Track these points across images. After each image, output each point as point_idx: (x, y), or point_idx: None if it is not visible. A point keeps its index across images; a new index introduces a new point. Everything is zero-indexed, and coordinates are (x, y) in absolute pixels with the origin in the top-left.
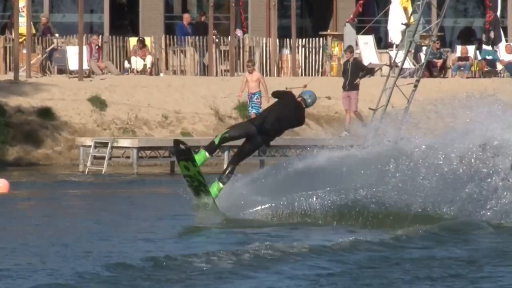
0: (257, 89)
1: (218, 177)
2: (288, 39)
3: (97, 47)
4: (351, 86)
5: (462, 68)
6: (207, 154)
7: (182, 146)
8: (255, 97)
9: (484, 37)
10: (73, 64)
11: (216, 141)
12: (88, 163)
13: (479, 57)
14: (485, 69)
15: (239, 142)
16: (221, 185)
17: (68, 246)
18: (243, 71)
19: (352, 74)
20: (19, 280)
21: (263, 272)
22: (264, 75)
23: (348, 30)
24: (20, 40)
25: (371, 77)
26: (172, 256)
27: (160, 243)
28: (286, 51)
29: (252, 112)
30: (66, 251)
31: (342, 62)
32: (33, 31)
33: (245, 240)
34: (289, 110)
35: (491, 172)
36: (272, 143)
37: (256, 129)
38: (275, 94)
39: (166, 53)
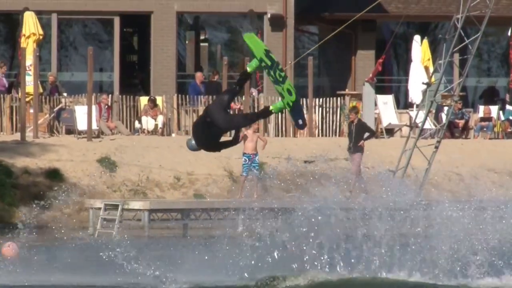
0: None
1: None
2: (304, 99)
3: (106, 106)
4: (355, 148)
5: (484, 129)
6: None
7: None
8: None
9: (508, 97)
10: (81, 124)
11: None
12: (98, 226)
13: (503, 118)
14: (509, 130)
15: None
16: None
17: None
18: (258, 131)
19: (356, 135)
20: None
21: None
22: (280, 135)
23: (367, 90)
24: (27, 99)
25: (377, 137)
26: None
27: None
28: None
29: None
30: None
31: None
32: (41, 90)
33: None
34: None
35: None
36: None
37: None
38: None
39: (178, 113)
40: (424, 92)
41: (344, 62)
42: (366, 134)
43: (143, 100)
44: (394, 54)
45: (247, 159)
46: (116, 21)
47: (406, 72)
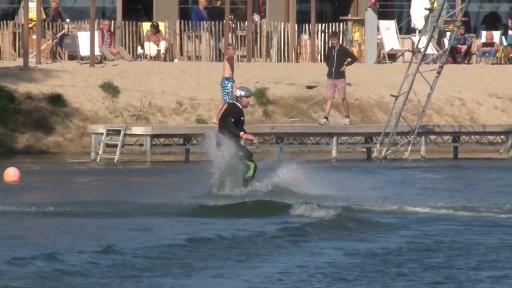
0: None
1: None
2: (307, 24)
3: (109, 32)
4: (337, 73)
5: (487, 54)
6: None
7: None
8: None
9: (510, 22)
10: (84, 50)
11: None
12: (100, 151)
13: (505, 43)
14: (511, 55)
15: None
16: None
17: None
18: (260, 57)
19: (338, 61)
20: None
21: None
22: (282, 61)
23: (370, 15)
24: (30, 25)
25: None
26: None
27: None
28: (305, 37)
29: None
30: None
31: (363, 47)
32: (43, 16)
33: None
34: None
35: None
36: (289, 131)
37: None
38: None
39: (181, 39)
40: (427, 18)
41: None
42: (348, 60)
43: (146, 26)
44: None
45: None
46: None
47: None
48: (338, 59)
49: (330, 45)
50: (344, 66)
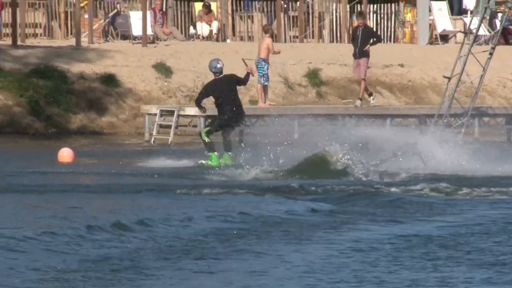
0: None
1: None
2: (359, 5)
3: (161, 12)
4: (361, 53)
5: None
6: None
7: None
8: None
9: None
10: (136, 30)
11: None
12: (154, 132)
13: None
14: None
15: None
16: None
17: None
18: (313, 37)
19: (362, 41)
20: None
21: None
22: (334, 41)
23: None
24: (82, 4)
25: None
26: None
27: None
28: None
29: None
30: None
31: (415, 28)
32: None
33: None
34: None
35: None
36: (343, 112)
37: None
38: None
39: (233, 19)
40: None
41: None
42: (372, 39)
43: (198, 6)
44: None
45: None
46: None
47: None
48: (363, 39)
49: (355, 25)
50: (368, 46)
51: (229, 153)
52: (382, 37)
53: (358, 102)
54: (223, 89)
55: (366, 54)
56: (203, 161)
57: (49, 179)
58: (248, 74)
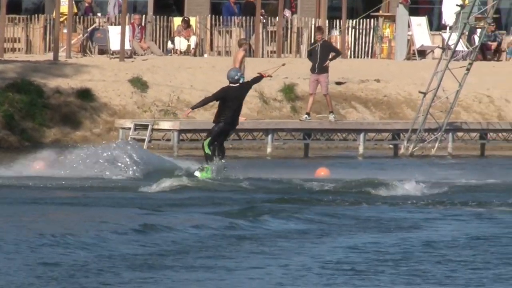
0: None
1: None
2: (338, 20)
3: (140, 26)
4: (320, 68)
5: None
6: None
7: None
8: None
9: None
10: (114, 44)
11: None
12: None
13: None
14: None
15: None
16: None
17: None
18: (290, 52)
19: (321, 56)
20: None
21: None
22: None
23: (401, 11)
24: (61, 19)
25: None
26: None
27: None
28: (336, 32)
29: None
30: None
31: (393, 44)
32: (75, 10)
33: None
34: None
35: None
36: (317, 126)
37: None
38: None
39: (211, 34)
40: (458, 14)
41: None
42: (332, 54)
43: (177, 21)
44: None
45: None
46: None
47: None
48: (322, 54)
49: (313, 40)
50: (328, 61)
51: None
52: (360, 53)
53: (331, 117)
54: (235, 97)
55: (326, 70)
56: (198, 174)
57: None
58: (260, 76)
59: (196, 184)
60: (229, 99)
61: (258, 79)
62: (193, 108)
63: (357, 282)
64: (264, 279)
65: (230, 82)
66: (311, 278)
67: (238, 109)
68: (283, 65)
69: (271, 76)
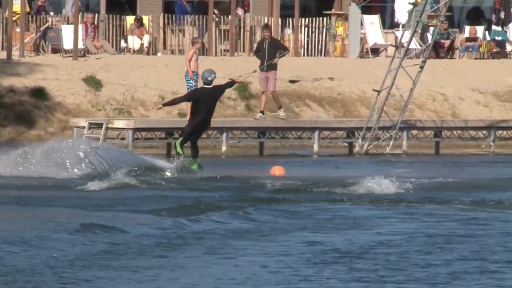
0: None
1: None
2: (290, 19)
3: (92, 25)
4: (269, 66)
5: (470, 49)
6: None
7: None
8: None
9: (493, 18)
10: (67, 43)
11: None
12: None
13: (488, 38)
14: (494, 50)
15: None
16: None
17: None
18: (244, 51)
19: (269, 53)
20: None
21: None
22: None
23: (353, 10)
24: (14, 18)
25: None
26: None
27: None
28: (289, 31)
29: None
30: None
31: (346, 42)
32: (27, 9)
33: None
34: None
35: None
36: (271, 125)
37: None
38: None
39: (164, 32)
40: (410, 12)
41: None
42: (280, 52)
43: (130, 19)
44: None
45: None
46: None
47: None
48: (270, 51)
49: (261, 38)
50: (277, 59)
51: (197, 159)
52: (314, 51)
53: (281, 112)
54: (207, 99)
55: (274, 67)
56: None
57: None
58: (233, 82)
59: (148, 183)
60: (202, 100)
61: (230, 84)
62: (163, 104)
63: (310, 278)
64: (204, 275)
65: (204, 83)
66: (263, 275)
67: (211, 110)
68: (254, 71)
69: (243, 82)
